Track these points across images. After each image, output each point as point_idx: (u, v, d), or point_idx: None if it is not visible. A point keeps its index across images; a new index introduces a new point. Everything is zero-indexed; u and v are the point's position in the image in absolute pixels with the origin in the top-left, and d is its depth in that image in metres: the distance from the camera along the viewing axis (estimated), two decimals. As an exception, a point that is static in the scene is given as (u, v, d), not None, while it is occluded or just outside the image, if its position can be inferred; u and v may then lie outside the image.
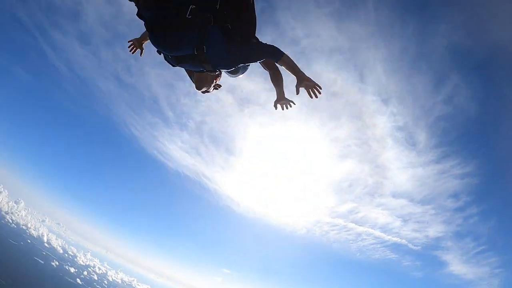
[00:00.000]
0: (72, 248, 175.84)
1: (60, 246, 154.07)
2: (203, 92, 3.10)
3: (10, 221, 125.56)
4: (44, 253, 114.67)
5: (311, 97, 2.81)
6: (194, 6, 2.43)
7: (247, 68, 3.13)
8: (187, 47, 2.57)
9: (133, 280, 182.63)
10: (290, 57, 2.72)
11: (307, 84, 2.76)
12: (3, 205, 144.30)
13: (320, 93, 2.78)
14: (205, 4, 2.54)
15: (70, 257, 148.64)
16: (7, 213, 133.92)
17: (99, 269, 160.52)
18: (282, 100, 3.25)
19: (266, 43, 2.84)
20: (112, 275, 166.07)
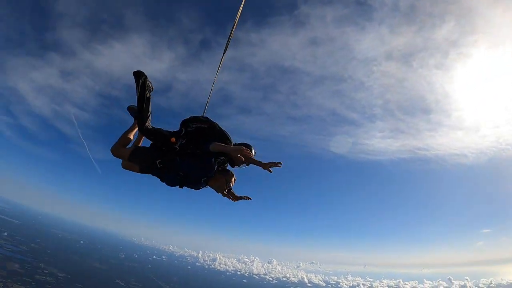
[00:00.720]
0: (332, 277, 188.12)
1: (321, 281, 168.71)
2: (229, 186, 3.94)
3: (270, 279, 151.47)
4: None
5: (245, 159, 3.73)
6: (160, 159, 3.78)
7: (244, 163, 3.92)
8: (175, 179, 3.80)
9: (399, 281, 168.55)
10: (215, 143, 3.70)
11: (236, 152, 3.57)
12: (260, 269, 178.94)
13: (252, 153, 3.72)
14: (166, 154, 3.81)
15: (333, 286, 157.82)
16: (265, 274, 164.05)
17: (364, 285, 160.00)
18: (265, 165, 3.60)
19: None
20: (377, 285, 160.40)
